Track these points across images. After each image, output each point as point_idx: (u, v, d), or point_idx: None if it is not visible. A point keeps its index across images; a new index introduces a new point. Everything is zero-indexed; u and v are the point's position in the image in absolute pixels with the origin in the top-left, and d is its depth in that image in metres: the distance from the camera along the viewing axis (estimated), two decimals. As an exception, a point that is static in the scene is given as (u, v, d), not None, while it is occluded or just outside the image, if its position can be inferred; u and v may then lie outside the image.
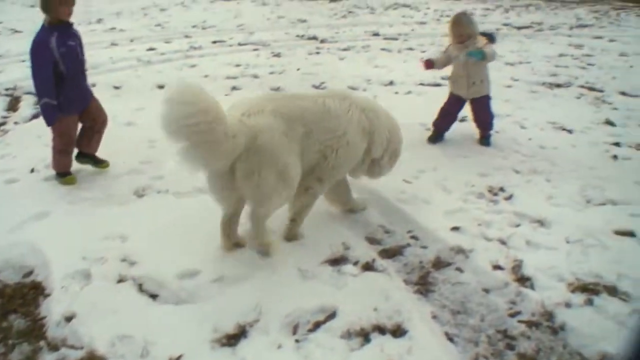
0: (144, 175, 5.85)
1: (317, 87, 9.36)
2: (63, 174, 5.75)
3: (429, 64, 6.62)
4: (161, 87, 9.06)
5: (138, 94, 8.69)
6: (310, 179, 4.57)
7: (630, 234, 4.94)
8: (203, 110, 3.61)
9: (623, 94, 9.76)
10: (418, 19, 17.71)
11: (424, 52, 11.63)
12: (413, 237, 4.82)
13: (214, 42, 12.91)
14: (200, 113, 3.59)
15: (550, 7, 23.15)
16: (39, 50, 5.28)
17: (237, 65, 10.85)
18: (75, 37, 5.54)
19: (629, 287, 4.17)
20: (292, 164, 4.18)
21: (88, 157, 5.97)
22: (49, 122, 5.51)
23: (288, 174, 4.16)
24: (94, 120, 5.87)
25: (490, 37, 6.76)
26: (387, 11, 19.60)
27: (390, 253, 4.58)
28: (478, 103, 6.85)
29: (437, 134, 6.92)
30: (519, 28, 17.03)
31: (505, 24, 17.64)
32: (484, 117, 6.90)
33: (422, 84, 9.68)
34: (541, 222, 5.07)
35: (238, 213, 4.53)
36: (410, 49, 13.00)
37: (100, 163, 6.01)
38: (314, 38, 13.81)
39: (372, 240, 4.77)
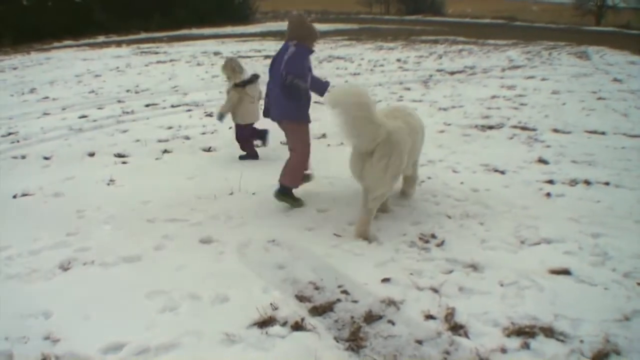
0: (70, 247, 5.59)
1: (250, 144, 9.18)
2: (294, 198, 6.44)
3: None
4: (91, 154, 8.90)
5: (68, 163, 8.44)
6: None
7: (566, 272, 4.90)
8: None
9: (555, 131, 9.95)
10: (351, 70, 17.94)
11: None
12: (344, 292, 4.66)
13: (147, 105, 12.76)
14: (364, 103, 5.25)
15: (482, 51, 23.79)
16: (305, 53, 6.20)
17: (169, 128, 10.69)
18: None
19: (567, 327, 4.11)
20: (405, 158, 5.70)
21: None
22: (297, 95, 6.10)
23: (403, 164, 5.68)
24: None
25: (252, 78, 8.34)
26: (322, 64, 19.86)
27: (321, 310, 4.41)
28: None
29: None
30: (452, 73, 17.37)
31: (439, 70, 17.98)
32: None
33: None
34: (474, 267, 4.99)
35: None
36: (343, 100, 12.96)
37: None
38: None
39: (301, 298, 4.60)
